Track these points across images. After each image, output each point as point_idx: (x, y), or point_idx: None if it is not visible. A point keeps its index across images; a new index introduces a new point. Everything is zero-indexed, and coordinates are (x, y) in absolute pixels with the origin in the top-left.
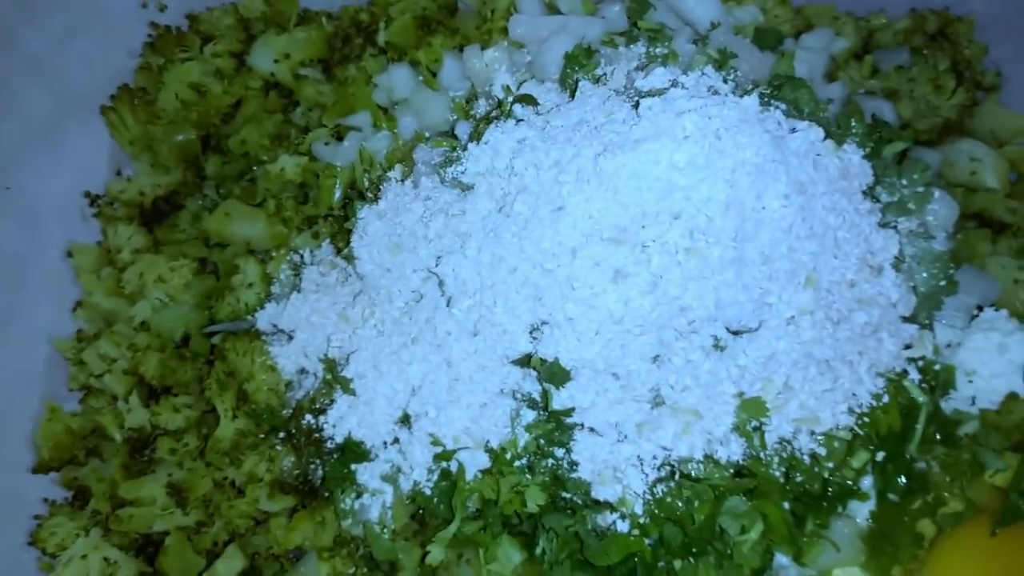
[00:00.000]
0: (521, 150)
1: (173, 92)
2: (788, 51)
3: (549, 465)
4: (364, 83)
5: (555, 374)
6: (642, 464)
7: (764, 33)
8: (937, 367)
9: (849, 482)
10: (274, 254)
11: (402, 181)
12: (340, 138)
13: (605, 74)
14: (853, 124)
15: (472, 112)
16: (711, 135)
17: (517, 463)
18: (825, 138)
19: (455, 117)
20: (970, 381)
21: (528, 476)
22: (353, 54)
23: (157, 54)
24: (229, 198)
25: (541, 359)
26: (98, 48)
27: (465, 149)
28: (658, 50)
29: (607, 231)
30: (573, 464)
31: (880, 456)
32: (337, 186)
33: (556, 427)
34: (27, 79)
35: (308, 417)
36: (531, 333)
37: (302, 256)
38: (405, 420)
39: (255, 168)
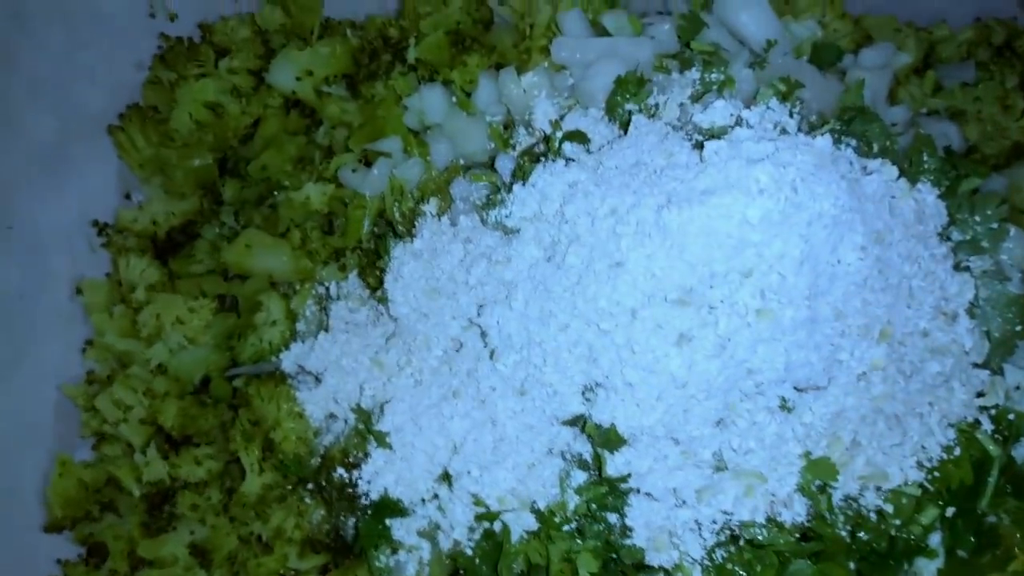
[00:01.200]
0: (572, 195)
1: (187, 112)
2: (856, 80)
3: (601, 530)
4: (393, 104)
5: (610, 440)
6: (700, 529)
7: (823, 49)
8: (1011, 416)
9: (917, 539)
10: (298, 288)
11: (438, 217)
12: (368, 163)
13: (658, 104)
14: (925, 160)
15: (511, 141)
16: (787, 187)
17: (566, 527)
18: (898, 177)
19: (493, 146)
20: None
21: (579, 541)
22: (381, 70)
23: (168, 68)
24: (249, 226)
25: (595, 424)
26: (103, 62)
27: (510, 190)
28: (713, 75)
29: (671, 292)
30: (626, 529)
31: (950, 511)
32: (366, 217)
33: (609, 491)
34: (28, 100)
35: (340, 471)
36: (583, 394)
37: (328, 289)
38: (445, 478)
39: (276, 193)
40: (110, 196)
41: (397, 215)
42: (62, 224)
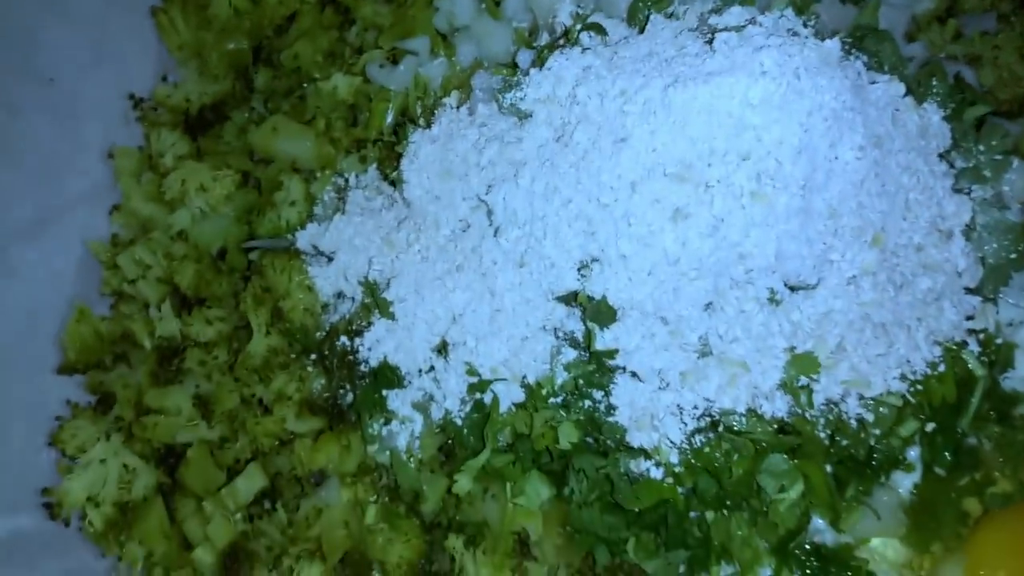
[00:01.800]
0: (585, 78)
1: None
2: (871, 2)
3: (586, 406)
4: (424, 6)
5: (601, 313)
6: (682, 413)
7: None
8: (998, 342)
9: (895, 451)
10: (319, 175)
11: (457, 108)
12: (395, 62)
13: (677, 12)
14: (934, 84)
15: (534, 43)
16: (790, 73)
17: (553, 400)
18: (906, 94)
19: (516, 48)
20: None
21: (563, 413)
22: None
23: None
24: (277, 113)
25: (588, 296)
26: None
27: (526, 75)
28: None
29: (670, 166)
30: (611, 408)
31: (930, 427)
32: (389, 110)
33: (596, 368)
34: None
35: (343, 339)
36: (579, 270)
37: (347, 180)
38: (443, 348)
39: (305, 85)
40: (147, 74)
41: (419, 109)
42: (99, 93)
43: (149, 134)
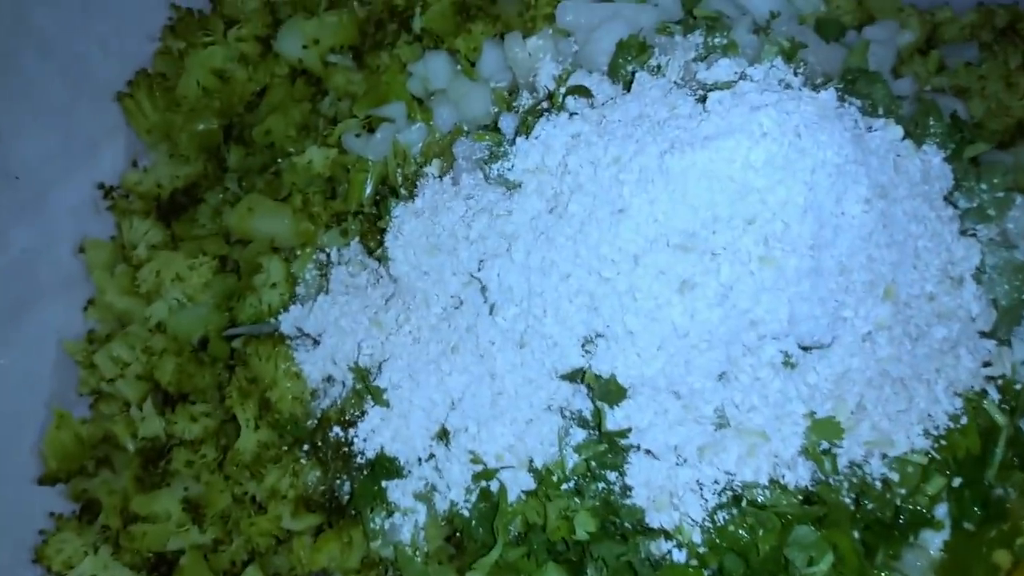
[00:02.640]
0: (576, 146)
1: (194, 78)
2: (860, 42)
3: (600, 489)
4: (398, 72)
5: (611, 391)
6: (702, 489)
7: (826, 24)
8: (1018, 386)
9: (923, 509)
10: (299, 252)
11: (440, 177)
12: (372, 130)
13: (661, 65)
14: (931, 123)
15: (515, 104)
16: (790, 132)
17: (565, 486)
18: (904, 137)
19: (497, 109)
20: None
21: (577, 500)
22: (386, 40)
23: (178, 38)
24: (252, 192)
25: (595, 375)
26: (115, 31)
27: (512, 144)
28: (717, 39)
29: (673, 236)
30: (626, 489)
31: (956, 482)
32: (368, 181)
33: (609, 448)
34: (40, 63)
35: (336, 429)
36: (583, 346)
37: (329, 255)
38: (443, 435)
39: (280, 160)
40: (117, 161)
41: (399, 178)
42: (68, 185)
43: (121, 223)
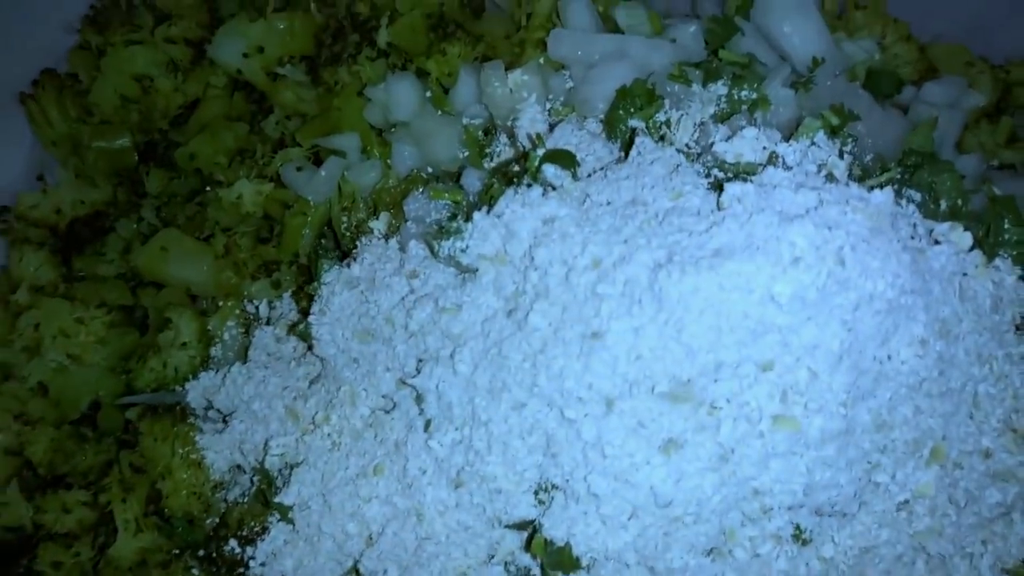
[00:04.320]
0: (547, 235)
1: (111, 84)
2: (927, 117)
3: None
4: (355, 94)
5: (564, 563)
6: None
7: (881, 76)
8: None
9: None
10: (220, 304)
11: (386, 239)
12: (318, 162)
13: (670, 120)
14: (1006, 226)
15: (488, 151)
16: (831, 257)
17: None
18: (972, 247)
19: (467, 153)
20: None
21: None
22: (346, 54)
23: (98, 32)
24: (171, 226)
25: (547, 539)
26: (25, 21)
27: (469, 218)
28: (744, 93)
29: (662, 382)
30: None
31: None
32: (307, 227)
33: None
34: None
35: (233, 543)
36: (536, 494)
37: (258, 309)
38: (357, 574)
39: (208, 190)
40: (16, 174)
41: (344, 228)
42: None
43: (11, 254)
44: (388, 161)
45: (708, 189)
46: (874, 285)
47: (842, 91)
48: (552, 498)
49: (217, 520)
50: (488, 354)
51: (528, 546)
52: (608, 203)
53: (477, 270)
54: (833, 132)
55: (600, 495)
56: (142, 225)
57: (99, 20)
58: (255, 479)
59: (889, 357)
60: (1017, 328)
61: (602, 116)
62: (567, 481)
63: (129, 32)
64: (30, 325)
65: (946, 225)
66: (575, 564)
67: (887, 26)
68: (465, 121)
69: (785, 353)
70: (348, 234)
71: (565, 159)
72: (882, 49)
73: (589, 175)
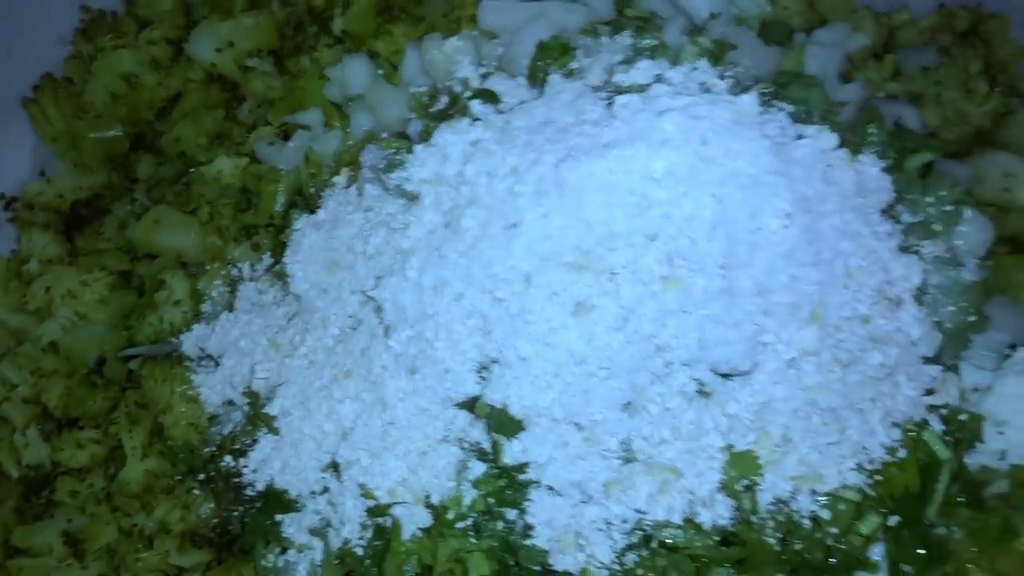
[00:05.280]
0: (474, 154)
1: (102, 84)
2: (796, 44)
3: (499, 528)
4: (316, 76)
5: (504, 424)
6: (610, 529)
7: (771, 26)
8: (963, 416)
9: (856, 550)
10: (208, 268)
11: (347, 188)
12: (288, 138)
13: (581, 68)
14: (872, 131)
15: (431, 109)
16: (696, 139)
17: (461, 524)
18: (839, 146)
19: (413, 115)
20: (1000, 433)
21: (473, 539)
22: (307, 44)
23: (89, 42)
24: (160, 203)
25: (488, 405)
26: (23, 33)
27: (411, 152)
28: (646, 42)
29: (568, 254)
30: (528, 528)
31: (893, 520)
32: (280, 192)
33: (508, 484)
34: None
35: (228, 459)
36: (479, 372)
37: (240, 271)
38: (334, 467)
39: (192, 171)
40: (22, 171)
41: (312, 189)
42: None
43: (21, 237)
44: (348, 130)
45: (606, 106)
46: (736, 163)
47: (732, 33)
48: (491, 372)
49: (213, 449)
50: (431, 259)
51: (472, 409)
52: (524, 126)
53: (419, 195)
54: (714, 60)
55: (527, 358)
56: (135, 205)
57: (89, 31)
58: (244, 404)
59: (760, 228)
60: (885, 213)
61: (526, 71)
62: (501, 352)
63: (115, 38)
64: (42, 289)
65: (814, 128)
66: (516, 426)
67: None
68: (412, 90)
69: (667, 224)
70: (314, 191)
71: (489, 96)
72: (772, 3)
73: (511, 109)
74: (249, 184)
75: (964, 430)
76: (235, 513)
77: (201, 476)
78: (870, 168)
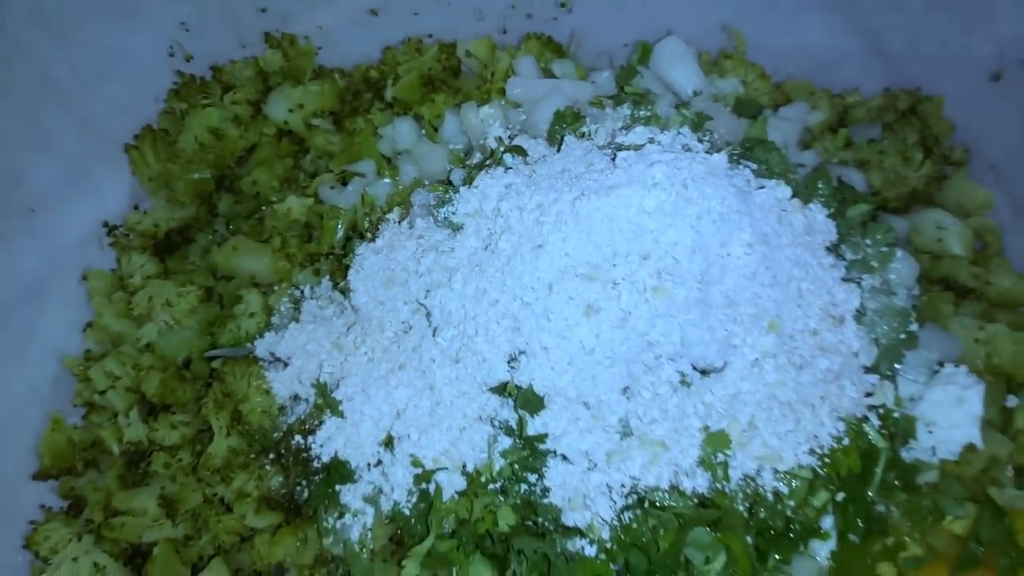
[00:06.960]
0: (508, 194)
1: (193, 135)
2: (761, 117)
3: (522, 490)
4: (370, 134)
5: (529, 400)
6: (610, 492)
7: (744, 103)
8: (896, 414)
9: (810, 520)
10: (276, 288)
11: (399, 222)
12: (345, 183)
13: (590, 131)
14: (820, 186)
15: (467, 162)
16: (678, 184)
17: (491, 486)
18: (792, 196)
19: (451, 167)
20: (930, 432)
21: (501, 498)
22: (362, 107)
23: (181, 100)
24: (238, 234)
25: (517, 386)
26: (127, 91)
27: (457, 192)
28: (641, 112)
29: (581, 268)
30: (545, 490)
31: (841, 497)
32: (339, 226)
33: (530, 453)
34: (59, 115)
35: (297, 438)
36: (509, 362)
37: (303, 291)
38: (388, 442)
39: (264, 208)
40: (121, 203)
41: (366, 223)
42: (78, 223)
43: (121, 257)
44: (396, 178)
45: (610, 160)
46: (708, 203)
47: (708, 107)
48: (519, 361)
49: (281, 434)
50: (473, 273)
51: (503, 391)
52: (546, 174)
53: (463, 226)
54: (694, 127)
55: (549, 348)
56: (216, 235)
57: (180, 91)
58: (312, 398)
59: (728, 254)
60: (829, 250)
61: (544, 135)
62: (528, 344)
63: (204, 97)
64: (145, 298)
65: (772, 181)
66: (537, 399)
67: (748, 69)
68: (451, 147)
69: (657, 246)
70: (368, 226)
71: (519, 150)
72: (745, 85)
73: (535, 161)
74: (312, 220)
75: (898, 427)
76: (300, 484)
77: (271, 455)
78: (817, 214)
